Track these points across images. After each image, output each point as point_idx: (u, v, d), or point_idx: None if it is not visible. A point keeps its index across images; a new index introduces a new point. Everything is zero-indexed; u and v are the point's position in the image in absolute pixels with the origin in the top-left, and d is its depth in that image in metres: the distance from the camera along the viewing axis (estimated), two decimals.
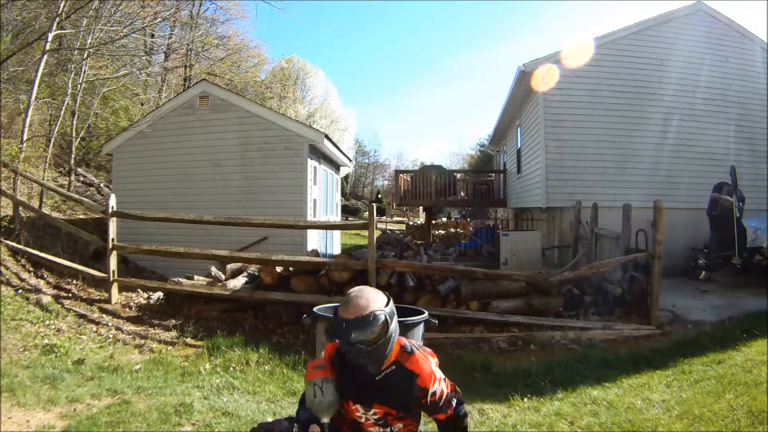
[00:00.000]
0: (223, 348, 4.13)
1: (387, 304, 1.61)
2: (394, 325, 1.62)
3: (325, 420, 1.66)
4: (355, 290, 1.65)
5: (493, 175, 15.90)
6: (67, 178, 10.18)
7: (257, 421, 2.93)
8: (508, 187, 13.52)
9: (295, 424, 1.70)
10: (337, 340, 1.62)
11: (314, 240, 8.67)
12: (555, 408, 3.19)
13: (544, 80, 8.46)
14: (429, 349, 1.73)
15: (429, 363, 1.67)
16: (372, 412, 1.70)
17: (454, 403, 1.71)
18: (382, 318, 1.56)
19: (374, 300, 1.59)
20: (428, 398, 1.64)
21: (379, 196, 38.03)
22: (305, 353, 4.12)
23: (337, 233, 11.43)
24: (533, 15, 55.42)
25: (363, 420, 1.73)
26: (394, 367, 1.66)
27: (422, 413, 1.81)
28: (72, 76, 9.27)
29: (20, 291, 4.94)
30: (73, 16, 8.64)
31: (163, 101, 12.71)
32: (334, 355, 1.74)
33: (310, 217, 8.33)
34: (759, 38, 8.82)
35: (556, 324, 4.93)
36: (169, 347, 4.41)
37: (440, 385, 1.67)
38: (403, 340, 1.69)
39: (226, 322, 5.16)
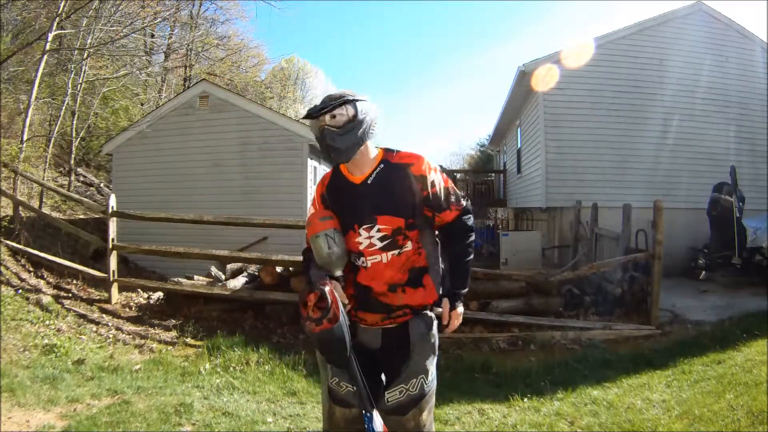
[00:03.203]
0: (223, 348, 4.12)
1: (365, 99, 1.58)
2: (367, 114, 1.55)
3: (339, 273, 1.62)
4: None
5: (493, 175, 15.92)
6: (67, 178, 10.18)
7: (257, 421, 2.93)
8: (508, 187, 13.52)
9: (328, 277, 1.60)
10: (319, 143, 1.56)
11: None
12: (555, 408, 3.19)
13: (544, 80, 8.46)
14: None
15: (419, 154, 1.62)
16: (376, 228, 1.58)
17: (463, 203, 1.67)
18: (352, 101, 1.52)
19: (350, 92, 1.56)
20: (429, 188, 1.58)
21: None
22: (305, 353, 4.11)
23: None
24: (533, 15, 55.41)
25: (366, 248, 1.60)
26: (382, 165, 1.60)
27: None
28: (72, 76, 9.28)
29: (20, 291, 4.94)
30: (73, 16, 8.64)
31: (163, 101, 12.71)
32: (325, 192, 1.68)
33: None
34: (759, 38, 8.82)
35: (556, 324, 4.93)
36: (169, 347, 4.41)
37: (437, 175, 1.62)
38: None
39: (226, 322, 5.16)
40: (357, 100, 1.54)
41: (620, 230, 6.18)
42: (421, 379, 1.59)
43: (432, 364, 1.64)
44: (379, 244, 1.59)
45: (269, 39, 43.93)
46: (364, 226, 1.58)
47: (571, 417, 3.06)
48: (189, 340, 4.57)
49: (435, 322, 1.68)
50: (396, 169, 1.59)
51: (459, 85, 63.29)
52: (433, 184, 1.59)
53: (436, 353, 1.68)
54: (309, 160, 8.35)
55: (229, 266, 6.04)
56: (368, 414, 1.51)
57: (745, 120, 8.64)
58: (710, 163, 8.22)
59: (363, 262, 1.62)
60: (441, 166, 1.74)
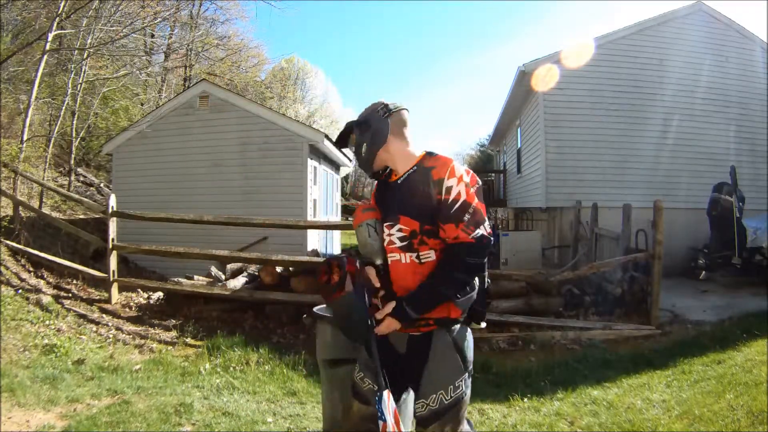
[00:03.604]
0: (223, 348, 4.12)
1: (382, 112, 1.67)
2: (365, 133, 1.67)
3: (379, 262, 1.67)
4: None
5: (493, 175, 15.91)
6: (67, 178, 10.18)
7: (257, 421, 2.93)
8: (508, 187, 13.52)
9: (358, 261, 1.65)
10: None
11: (314, 240, 8.67)
12: (555, 408, 3.19)
13: (544, 80, 8.46)
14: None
15: (452, 160, 1.58)
16: (397, 228, 1.61)
17: (477, 231, 1.51)
18: (354, 126, 1.70)
19: (377, 104, 1.71)
20: (442, 194, 1.53)
21: None
22: (305, 353, 4.12)
23: (337, 233, 11.42)
24: (533, 15, 55.40)
25: (388, 244, 1.64)
26: (416, 168, 1.64)
27: None
28: (72, 76, 9.27)
29: (20, 291, 4.94)
30: (73, 16, 8.64)
31: (163, 101, 12.71)
32: (376, 187, 1.81)
33: (310, 217, 8.33)
34: (759, 38, 8.82)
35: (556, 324, 4.93)
36: (169, 347, 4.41)
37: (460, 185, 1.53)
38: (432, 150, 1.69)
39: (226, 322, 5.16)
40: (359, 123, 1.69)
41: (620, 230, 6.18)
42: (441, 395, 1.56)
43: (458, 379, 1.58)
44: (398, 243, 1.62)
45: (269, 39, 43.96)
46: (387, 223, 1.64)
47: (571, 417, 3.06)
48: (189, 340, 4.57)
49: (467, 339, 1.64)
50: (422, 173, 1.61)
51: (459, 85, 63.33)
52: (448, 191, 1.53)
53: (467, 369, 1.61)
54: (309, 160, 8.35)
55: (229, 266, 6.04)
56: (380, 393, 1.52)
57: (745, 120, 8.64)
58: (710, 163, 8.22)
59: (387, 259, 1.67)
60: (479, 184, 1.61)
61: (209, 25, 18.27)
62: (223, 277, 5.85)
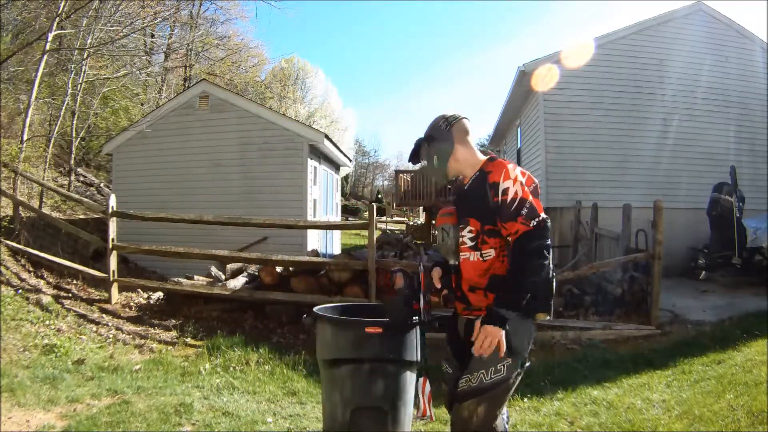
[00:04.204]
0: (223, 348, 4.12)
1: (444, 125, 1.81)
2: (432, 147, 1.82)
3: (453, 262, 1.88)
4: None
5: None
6: (67, 178, 10.18)
7: (257, 421, 2.93)
8: None
9: (422, 264, 1.99)
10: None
11: (314, 240, 8.67)
12: (555, 408, 3.19)
13: (544, 80, 8.45)
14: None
15: (507, 164, 1.70)
16: (468, 229, 1.78)
17: (534, 221, 1.60)
18: (423, 142, 1.84)
19: (429, 127, 1.85)
20: (499, 196, 1.64)
21: (379, 196, 37.97)
22: (305, 353, 4.11)
23: (337, 233, 11.43)
24: (533, 15, 55.44)
25: (461, 244, 1.82)
26: (478, 173, 1.78)
27: None
28: (72, 76, 9.27)
29: (20, 291, 4.94)
30: (73, 16, 8.64)
31: (163, 101, 12.71)
32: (454, 192, 1.96)
33: (310, 217, 8.33)
34: (759, 38, 8.81)
35: (556, 324, 4.93)
36: (169, 347, 4.41)
37: (516, 185, 1.64)
38: (493, 154, 1.85)
39: (226, 322, 5.16)
40: (426, 138, 1.84)
41: (620, 230, 6.18)
42: (482, 374, 1.66)
43: (500, 363, 1.64)
44: (469, 243, 1.78)
45: (269, 39, 44.05)
46: (461, 225, 1.82)
47: (571, 417, 3.06)
48: (189, 340, 4.57)
49: (518, 328, 1.65)
50: (482, 177, 1.74)
51: (459, 85, 63.37)
52: (505, 192, 1.64)
53: (512, 356, 1.64)
54: (309, 160, 8.35)
55: (229, 266, 6.04)
56: (417, 378, 1.95)
57: (745, 120, 8.63)
58: (710, 163, 8.21)
59: (459, 258, 1.85)
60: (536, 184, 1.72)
61: (209, 25, 18.30)
62: (223, 277, 5.85)
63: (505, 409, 1.80)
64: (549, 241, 1.63)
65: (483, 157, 1.82)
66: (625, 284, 5.44)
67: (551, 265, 1.67)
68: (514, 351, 1.64)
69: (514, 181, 1.64)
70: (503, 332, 1.55)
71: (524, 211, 1.61)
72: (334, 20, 53.81)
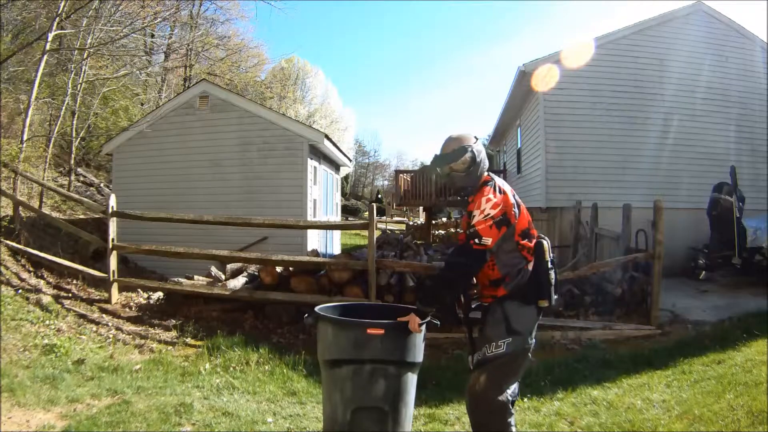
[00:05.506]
0: (223, 348, 4.12)
1: (467, 143, 2.11)
2: (478, 155, 2.10)
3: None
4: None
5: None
6: (67, 178, 10.18)
7: (257, 421, 2.93)
8: None
9: None
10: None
11: (314, 240, 8.67)
12: (555, 408, 3.19)
13: (544, 80, 8.46)
14: (508, 188, 2.11)
15: (485, 192, 2.03)
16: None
17: (471, 242, 1.97)
18: (469, 148, 2.10)
19: (450, 142, 2.13)
20: (473, 220, 2.01)
21: (379, 196, 37.98)
22: (305, 353, 4.11)
23: (337, 233, 11.43)
24: (533, 15, 55.47)
25: None
26: (477, 193, 2.09)
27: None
28: (72, 76, 9.27)
29: (20, 291, 4.94)
30: (73, 16, 8.64)
31: (163, 101, 12.72)
32: None
33: (310, 217, 8.33)
34: (759, 38, 8.82)
35: (556, 324, 4.93)
36: (169, 347, 4.41)
37: (485, 205, 1.99)
38: (492, 177, 2.13)
39: (226, 322, 5.16)
40: (472, 147, 2.10)
41: (620, 230, 6.18)
42: (485, 349, 2.02)
43: (500, 340, 1.99)
44: None
45: (269, 39, 44.05)
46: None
47: (571, 417, 3.06)
48: (189, 340, 4.56)
49: (517, 312, 2.03)
50: (473, 199, 2.09)
51: (459, 85, 63.39)
52: (473, 216, 2.02)
53: (512, 334, 1.99)
54: (309, 160, 8.35)
55: (229, 266, 6.03)
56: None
57: (745, 120, 8.63)
58: (710, 163, 8.21)
59: None
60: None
61: (209, 25, 18.30)
62: (223, 277, 5.85)
63: (513, 387, 2.06)
64: (467, 262, 1.99)
65: (484, 177, 2.14)
66: (625, 284, 5.44)
67: (552, 270, 2.11)
68: (513, 331, 1.99)
69: (487, 200, 2.00)
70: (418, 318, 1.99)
71: (471, 230, 1.99)
72: (334, 20, 53.87)
